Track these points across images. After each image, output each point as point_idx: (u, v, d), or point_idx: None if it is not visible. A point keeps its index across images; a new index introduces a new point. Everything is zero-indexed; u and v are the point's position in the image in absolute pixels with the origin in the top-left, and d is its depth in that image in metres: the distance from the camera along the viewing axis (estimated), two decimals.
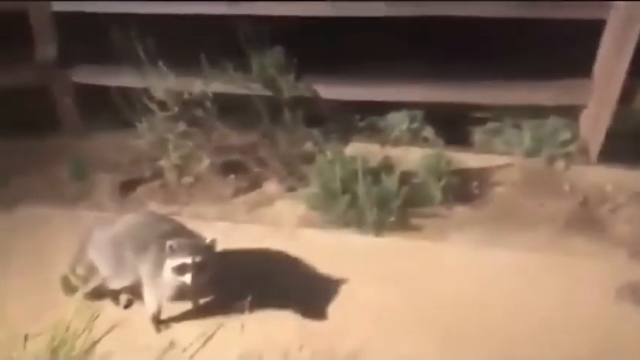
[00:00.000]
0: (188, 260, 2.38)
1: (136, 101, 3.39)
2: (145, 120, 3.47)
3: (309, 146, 3.59)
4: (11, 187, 3.53)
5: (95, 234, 2.70)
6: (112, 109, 3.38)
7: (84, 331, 2.33)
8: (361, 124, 3.79)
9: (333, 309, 2.70)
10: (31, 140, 3.80)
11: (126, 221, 2.72)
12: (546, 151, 3.52)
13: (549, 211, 3.23)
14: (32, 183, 3.55)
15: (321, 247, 3.02)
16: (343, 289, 2.78)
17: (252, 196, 3.44)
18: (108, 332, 2.36)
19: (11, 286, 2.83)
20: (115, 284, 2.67)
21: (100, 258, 2.67)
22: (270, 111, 3.57)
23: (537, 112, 3.64)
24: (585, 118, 3.57)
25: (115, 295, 2.73)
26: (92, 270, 2.68)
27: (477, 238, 3.08)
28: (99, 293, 2.69)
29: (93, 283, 2.61)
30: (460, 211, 3.26)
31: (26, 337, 2.33)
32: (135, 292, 2.69)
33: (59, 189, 3.51)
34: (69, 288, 2.70)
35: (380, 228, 3.12)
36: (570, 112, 3.61)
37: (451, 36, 3.57)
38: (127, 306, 2.74)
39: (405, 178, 3.28)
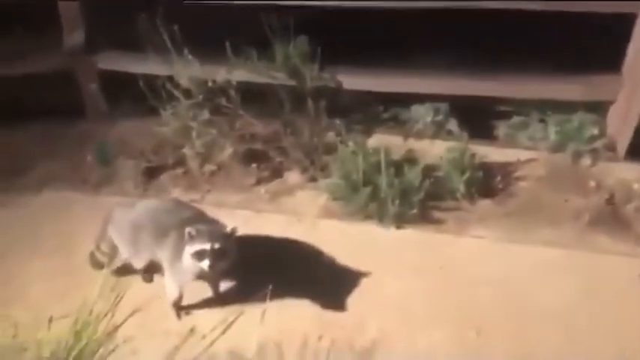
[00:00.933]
0: (207, 246, 2.40)
1: (160, 88, 3.41)
2: (170, 107, 3.49)
3: (331, 137, 3.58)
4: (37, 170, 3.58)
5: (116, 214, 2.77)
6: (137, 96, 3.40)
7: (106, 314, 2.36)
8: (385, 115, 3.76)
9: (352, 300, 2.71)
10: (57, 125, 3.85)
11: (147, 206, 2.79)
12: (572, 147, 3.46)
13: (574, 207, 3.18)
14: (57, 167, 3.60)
15: (341, 238, 3.02)
16: (363, 281, 2.78)
17: (274, 185, 3.44)
18: (130, 316, 2.38)
19: (36, 269, 2.89)
20: (134, 264, 2.75)
21: (119, 239, 2.74)
22: (294, 100, 3.56)
23: (564, 106, 3.58)
24: (613, 114, 3.51)
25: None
26: (115, 247, 2.76)
27: (500, 233, 3.05)
28: (125, 269, 2.77)
29: (117, 262, 2.69)
30: (483, 205, 3.23)
31: (50, 319, 2.37)
32: (150, 274, 2.77)
33: (84, 174, 3.55)
34: (96, 264, 2.79)
35: (401, 220, 3.11)
36: (598, 108, 3.55)
37: (478, 28, 3.52)
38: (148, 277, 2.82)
39: (428, 171, 3.25)
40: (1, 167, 3.57)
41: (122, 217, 2.74)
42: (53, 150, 3.71)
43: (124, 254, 2.74)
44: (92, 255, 2.83)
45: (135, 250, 2.69)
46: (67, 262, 2.89)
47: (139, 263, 2.74)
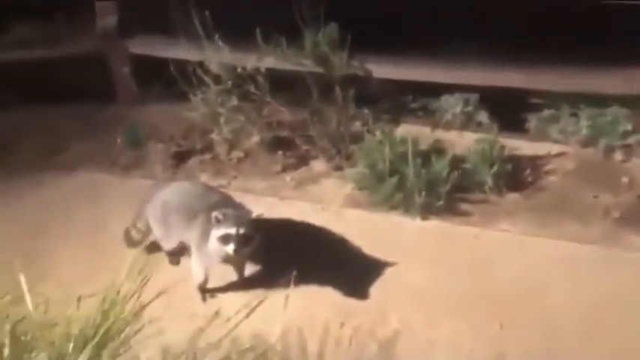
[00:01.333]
0: (232, 231, 2.43)
1: (191, 74, 3.44)
2: (199, 93, 3.53)
3: (358, 126, 3.57)
4: (70, 152, 3.67)
5: (153, 194, 2.83)
6: (168, 81, 3.44)
7: (133, 295, 2.40)
8: (413, 105, 3.74)
9: (375, 289, 2.71)
10: (90, 108, 3.93)
11: (178, 188, 2.86)
12: (604, 142, 3.40)
13: (604, 203, 3.13)
14: (89, 149, 3.68)
15: (366, 228, 3.02)
16: (386, 270, 2.78)
17: (300, 173, 3.46)
18: (156, 298, 2.43)
19: (67, 250, 2.95)
20: (164, 245, 2.81)
21: (153, 219, 2.80)
22: (321, 89, 3.56)
23: (597, 100, 3.51)
24: None
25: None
26: (150, 227, 2.83)
27: (527, 227, 3.02)
28: (154, 247, 2.82)
29: (149, 239, 2.77)
30: (511, 198, 3.19)
31: (79, 298, 2.43)
32: (177, 257, 2.81)
33: (114, 156, 3.62)
34: (131, 241, 2.86)
35: (427, 212, 3.09)
36: (633, 102, 3.47)
37: (511, 18, 3.46)
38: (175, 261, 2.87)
39: (456, 162, 3.23)
40: (36, 148, 3.66)
41: (157, 197, 2.80)
42: (85, 132, 3.79)
43: (157, 234, 2.80)
44: (127, 232, 2.89)
45: (166, 230, 2.75)
46: (97, 244, 2.95)
47: (168, 244, 2.79)
